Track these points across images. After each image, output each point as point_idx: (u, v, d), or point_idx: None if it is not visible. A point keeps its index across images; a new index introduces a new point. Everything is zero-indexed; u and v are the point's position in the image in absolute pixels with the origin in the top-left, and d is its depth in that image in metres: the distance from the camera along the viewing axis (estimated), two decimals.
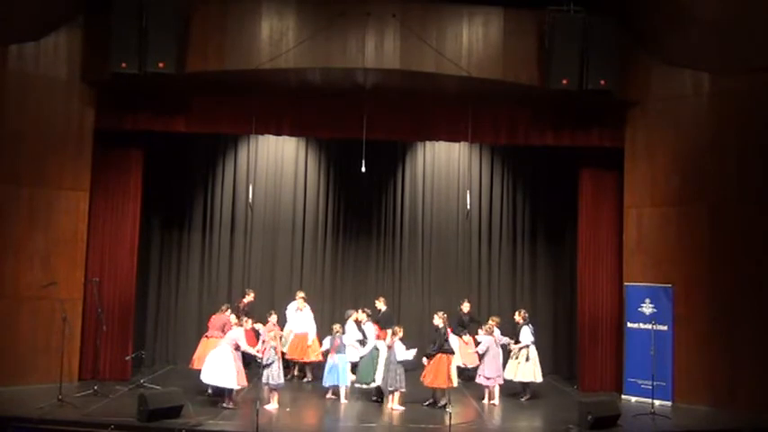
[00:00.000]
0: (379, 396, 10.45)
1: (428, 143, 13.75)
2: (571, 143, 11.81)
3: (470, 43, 10.81)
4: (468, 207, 13.23)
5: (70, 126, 11.11)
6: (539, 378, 10.90)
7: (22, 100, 10.70)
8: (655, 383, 10.44)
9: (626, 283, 11.52)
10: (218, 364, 9.63)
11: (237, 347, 9.82)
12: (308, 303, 12.17)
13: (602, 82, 10.55)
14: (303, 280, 13.53)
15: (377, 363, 10.35)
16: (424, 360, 10.30)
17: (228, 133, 12.93)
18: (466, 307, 12.38)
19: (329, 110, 11.62)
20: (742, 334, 10.47)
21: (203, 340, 10.93)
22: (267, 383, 9.78)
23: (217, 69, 10.70)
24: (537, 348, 11.03)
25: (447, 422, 8.53)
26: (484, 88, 11.21)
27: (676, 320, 11.00)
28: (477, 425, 9.54)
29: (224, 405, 9.69)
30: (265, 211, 13.68)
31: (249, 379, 10.02)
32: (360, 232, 13.87)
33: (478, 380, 10.65)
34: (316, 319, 12.17)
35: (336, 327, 10.56)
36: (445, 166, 13.99)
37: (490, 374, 10.49)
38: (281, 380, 9.91)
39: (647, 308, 11.17)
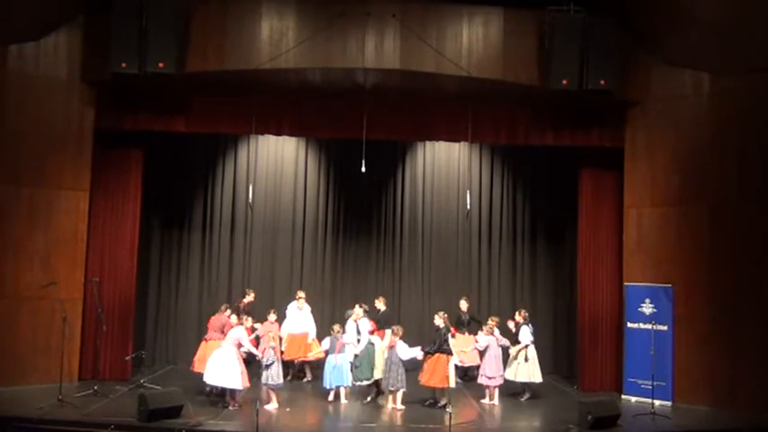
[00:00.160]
0: (375, 392, 10.43)
1: (428, 143, 13.75)
2: (571, 143, 11.81)
3: (470, 43, 10.81)
4: (468, 207, 13.23)
5: (70, 126, 11.11)
6: (538, 378, 10.89)
7: (22, 100, 10.70)
8: (655, 383, 10.44)
9: (626, 283, 11.52)
10: (222, 365, 9.63)
11: (240, 346, 9.82)
12: (309, 303, 12.18)
13: (602, 82, 10.55)
14: (303, 280, 13.53)
15: (373, 359, 10.34)
16: (420, 354, 10.24)
17: (228, 133, 12.93)
18: (464, 306, 12.37)
19: (329, 110, 11.62)
20: (742, 334, 10.47)
21: (203, 343, 10.92)
22: (266, 384, 9.78)
23: (217, 69, 10.70)
24: (537, 348, 11.03)
25: (447, 422, 8.52)
26: (484, 88, 11.22)
27: (676, 320, 11.00)
28: (477, 425, 9.55)
29: (229, 407, 9.69)
30: (265, 211, 13.68)
31: (249, 379, 10.01)
32: (360, 232, 13.87)
33: (480, 380, 10.66)
34: (316, 319, 12.17)
35: (336, 327, 10.55)
36: (445, 166, 13.99)
37: (491, 374, 10.50)
38: (281, 380, 9.91)
39: (647, 308, 11.17)
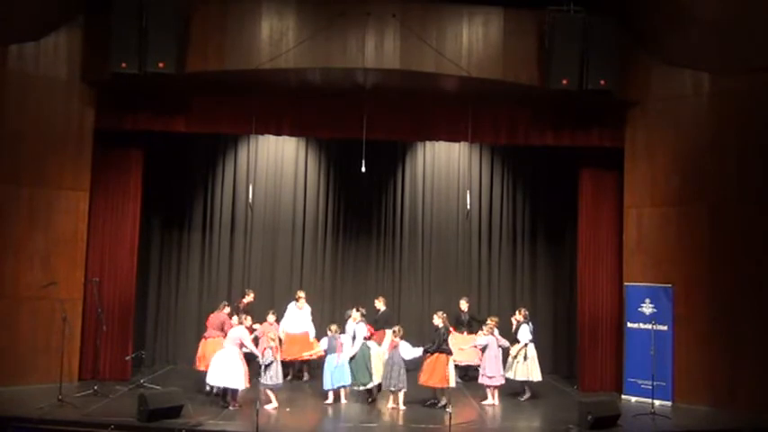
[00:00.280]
0: (372, 394, 10.43)
1: (428, 143, 13.75)
2: (571, 143, 11.81)
3: (470, 43, 10.81)
4: (468, 207, 13.23)
5: (70, 126, 11.11)
6: (537, 377, 10.88)
7: (22, 100, 10.70)
8: (655, 383, 10.44)
9: (626, 283, 11.52)
10: (225, 365, 9.63)
11: (242, 346, 9.82)
12: (309, 303, 12.18)
13: (602, 82, 10.55)
14: (303, 280, 13.53)
15: (370, 363, 10.32)
16: (418, 352, 10.24)
17: (228, 133, 12.92)
18: (464, 306, 12.38)
19: (329, 110, 11.62)
20: (742, 334, 10.47)
21: (202, 342, 10.92)
22: (266, 384, 9.77)
23: (217, 69, 10.70)
24: (537, 348, 11.03)
25: (447, 422, 8.52)
26: (484, 88, 11.22)
27: (676, 320, 11.00)
28: (477, 425, 9.54)
29: (229, 407, 9.68)
30: (265, 211, 13.68)
31: (249, 379, 10.01)
32: (360, 232, 13.87)
33: (481, 380, 10.64)
34: (316, 319, 12.17)
35: (333, 327, 10.50)
36: (445, 166, 13.99)
37: (492, 374, 10.49)
38: (280, 380, 9.90)
39: (647, 308, 11.17)
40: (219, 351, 9.84)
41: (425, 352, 10.19)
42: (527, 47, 10.87)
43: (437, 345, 10.13)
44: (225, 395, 9.85)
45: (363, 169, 11.05)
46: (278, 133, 12.48)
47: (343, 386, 10.29)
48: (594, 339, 11.77)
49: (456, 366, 10.63)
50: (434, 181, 13.97)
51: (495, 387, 10.56)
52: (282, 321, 11.90)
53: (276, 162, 13.80)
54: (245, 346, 9.90)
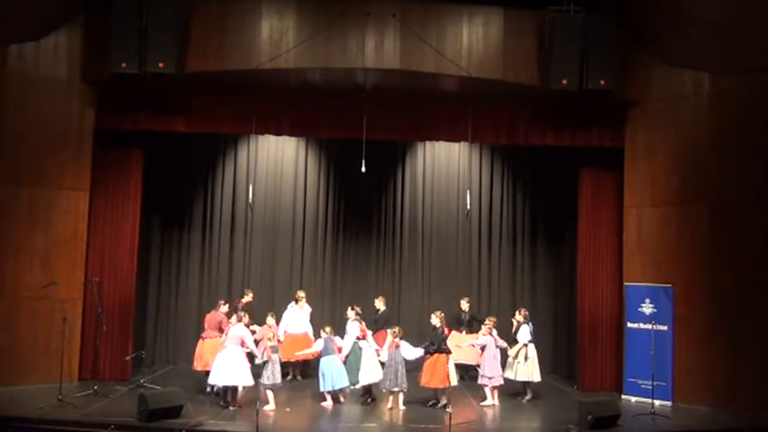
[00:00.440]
0: (368, 395, 10.41)
1: (428, 143, 13.75)
2: (571, 143, 11.81)
3: (470, 43, 10.81)
4: (468, 207, 13.23)
5: (70, 126, 11.11)
6: (537, 377, 10.87)
7: (22, 100, 10.70)
8: (655, 383, 10.43)
9: (626, 283, 11.52)
10: (230, 364, 9.62)
11: (243, 344, 9.81)
12: (309, 303, 12.19)
13: (602, 82, 10.55)
14: (303, 280, 13.53)
15: (360, 363, 10.29)
16: (420, 352, 10.24)
17: (228, 133, 12.92)
18: (465, 305, 12.38)
19: (329, 110, 11.62)
20: (742, 334, 10.46)
21: (200, 342, 10.92)
22: (264, 384, 9.77)
23: (217, 69, 10.70)
24: (537, 348, 11.01)
25: (447, 422, 8.52)
26: (484, 88, 11.22)
27: (676, 320, 11.00)
28: (477, 425, 9.54)
29: (229, 407, 9.68)
30: (265, 211, 13.68)
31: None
32: (360, 232, 13.87)
33: (480, 380, 10.62)
34: (316, 319, 12.16)
35: (328, 329, 10.47)
36: (445, 166, 13.98)
37: (491, 374, 10.48)
38: (278, 381, 9.87)
39: (647, 308, 11.17)
40: (222, 351, 9.82)
41: (426, 352, 10.19)
42: (527, 47, 10.87)
43: (437, 344, 10.14)
44: (225, 395, 9.84)
45: (363, 169, 11.05)
46: (278, 133, 12.47)
47: (342, 388, 10.27)
48: (594, 339, 11.77)
49: (456, 366, 10.61)
50: (434, 181, 13.97)
51: (495, 387, 10.55)
52: (282, 321, 11.90)
53: (276, 162, 13.80)
54: (246, 345, 9.89)
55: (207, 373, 10.11)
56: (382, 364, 10.35)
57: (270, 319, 11.62)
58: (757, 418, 9.83)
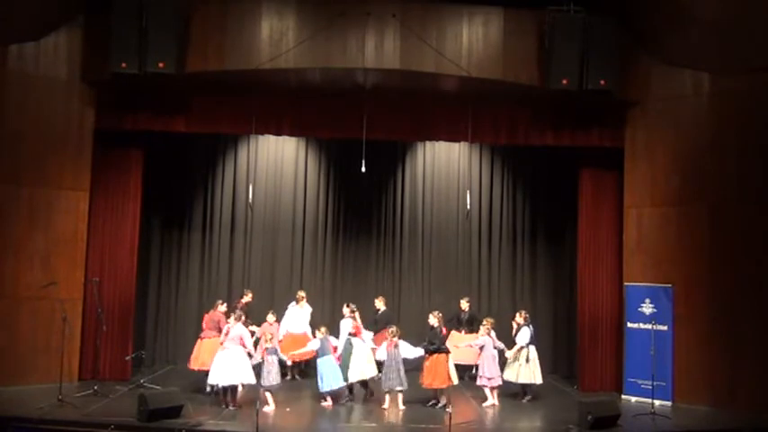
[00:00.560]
0: (366, 391, 10.41)
1: (428, 143, 13.75)
2: (571, 143, 11.80)
3: (470, 43, 10.81)
4: (468, 207, 13.23)
5: (70, 126, 11.11)
6: (539, 379, 10.85)
7: (22, 100, 10.70)
8: (655, 383, 10.43)
9: (626, 283, 11.52)
10: (230, 364, 9.62)
11: (242, 344, 9.81)
12: (309, 303, 12.19)
13: (602, 82, 10.54)
14: (303, 280, 13.53)
15: (349, 359, 10.26)
16: (420, 351, 10.24)
17: (228, 133, 12.93)
18: (465, 305, 12.38)
19: (329, 110, 11.62)
20: (742, 334, 10.46)
21: (198, 342, 10.92)
22: (262, 384, 9.76)
23: (217, 69, 10.69)
24: (537, 348, 11.00)
25: (447, 422, 8.52)
26: (484, 88, 11.22)
27: (676, 320, 11.00)
28: (477, 425, 9.54)
29: (230, 407, 9.68)
30: (265, 211, 13.68)
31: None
32: (360, 232, 13.87)
33: (480, 382, 10.60)
34: (316, 319, 12.15)
35: (323, 329, 10.44)
36: (445, 166, 13.99)
37: (490, 375, 10.47)
38: (277, 381, 9.86)
39: (647, 308, 11.17)
40: (222, 351, 9.81)
41: (426, 351, 10.19)
42: (527, 47, 10.87)
43: (437, 344, 10.13)
44: (225, 394, 9.84)
45: (363, 169, 11.05)
46: (278, 133, 12.47)
47: (339, 388, 10.24)
48: (594, 339, 11.76)
49: (456, 366, 10.59)
50: (434, 181, 13.97)
51: (494, 388, 10.53)
52: (283, 321, 11.90)
53: (276, 162, 13.80)
54: (244, 345, 9.87)
55: (205, 372, 10.10)
56: (381, 363, 10.35)
57: (271, 318, 11.61)
58: (757, 418, 9.83)
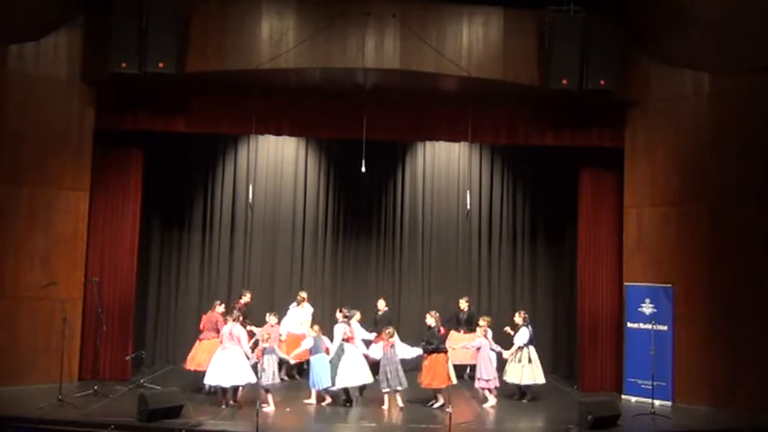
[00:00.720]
0: (347, 398, 10.32)
1: (428, 143, 13.75)
2: (571, 143, 11.80)
3: (470, 43, 10.81)
4: (468, 207, 13.23)
5: (70, 126, 11.11)
6: (541, 380, 10.82)
7: (22, 100, 10.70)
8: (655, 383, 10.43)
9: (626, 283, 11.52)
10: (229, 365, 9.62)
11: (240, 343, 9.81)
12: (309, 303, 12.17)
13: (602, 82, 10.55)
14: (303, 280, 13.53)
15: (338, 366, 10.16)
16: (417, 351, 10.20)
17: (228, 133, 12.93)
18: (464, 305, 12.38)
19: (329, 110, 11.62)
20: (742, 334, 10.46)
21: (197, 343, 10.92)
22: (260, 384, 9.75)
23: (217, 69, 10.70)
24: (537, 348, 10.99)
25: (447, 422, 8.52)
26: (484, 88, 11.22)
27: (676, 320, 11.00)
28: (476, 425, 9.53)
29: (230, 403, 9.68)
30: (265, 211, 13.68)
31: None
32: (360, 232, 13.87)
33: (477, 384, 10.54)
34: (317, 319, 12.13)
35: (316, 328, 10.42)
36: (445, 166, 13.99)
37: (487, 376, 10.43)
38: (275, 381, 9.85)
39: (647, 308, 11.16)
40: (220, 351, 9.81)
41: (425, 351, 10.18)
42: (527, 47, 10.87)
43: (436, 344, 10.12)
44: (225, 393, 9.84)
45: (363, 169, 11.05)
46: (278, 133, 12.48)
47: (325, 388, 10.15)
48: (594, 339, 11.76)
49: (454, 366, 10.58)
50: (434, 181, 13.97)
51: (493, 388, 10.50)
52: (284, 322, 11.89)
53: (276, 162, 13.80)
54: (241, 345, 9.86)
55: (202, 373, 10.10)
56: (377, 364, 10.31)
57: (272, 319, 11.59)
58: (757, 418, 9.83)
